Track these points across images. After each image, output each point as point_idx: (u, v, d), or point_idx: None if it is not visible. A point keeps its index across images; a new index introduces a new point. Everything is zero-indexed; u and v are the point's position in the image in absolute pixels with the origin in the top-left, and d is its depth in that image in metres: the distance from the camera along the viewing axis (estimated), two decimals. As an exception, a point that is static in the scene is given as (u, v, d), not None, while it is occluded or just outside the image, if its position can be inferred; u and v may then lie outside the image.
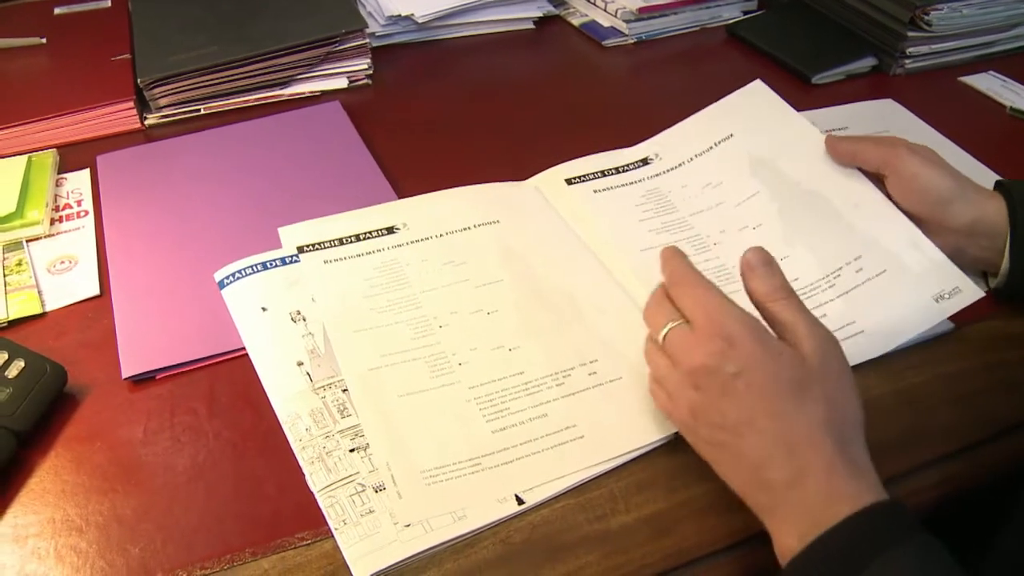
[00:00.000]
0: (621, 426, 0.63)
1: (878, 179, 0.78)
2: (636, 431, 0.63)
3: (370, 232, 0.79)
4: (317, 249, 0.77)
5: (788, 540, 0.50)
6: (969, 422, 0.65)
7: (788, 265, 0.73)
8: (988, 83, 1.09)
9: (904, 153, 0.74)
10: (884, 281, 0.72)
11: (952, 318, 0.71)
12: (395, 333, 0.70)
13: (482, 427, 0.63)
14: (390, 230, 0.79)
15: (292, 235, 0.79)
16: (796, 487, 0.50)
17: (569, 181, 0.85)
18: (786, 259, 0.75)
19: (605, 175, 0.86)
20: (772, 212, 0.79)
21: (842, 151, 0.80)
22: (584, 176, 0.86)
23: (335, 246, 0.78)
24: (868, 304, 0.71)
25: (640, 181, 0.86)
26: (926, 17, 1.07)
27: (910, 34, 1.08)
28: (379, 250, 0.78)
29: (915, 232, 0.74)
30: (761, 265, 0.58)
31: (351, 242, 0.78)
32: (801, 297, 0.66)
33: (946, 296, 0.70)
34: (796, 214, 0.79)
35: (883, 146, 0.76)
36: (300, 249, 0.77)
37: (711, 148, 0.87)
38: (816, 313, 0.66)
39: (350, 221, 0.80)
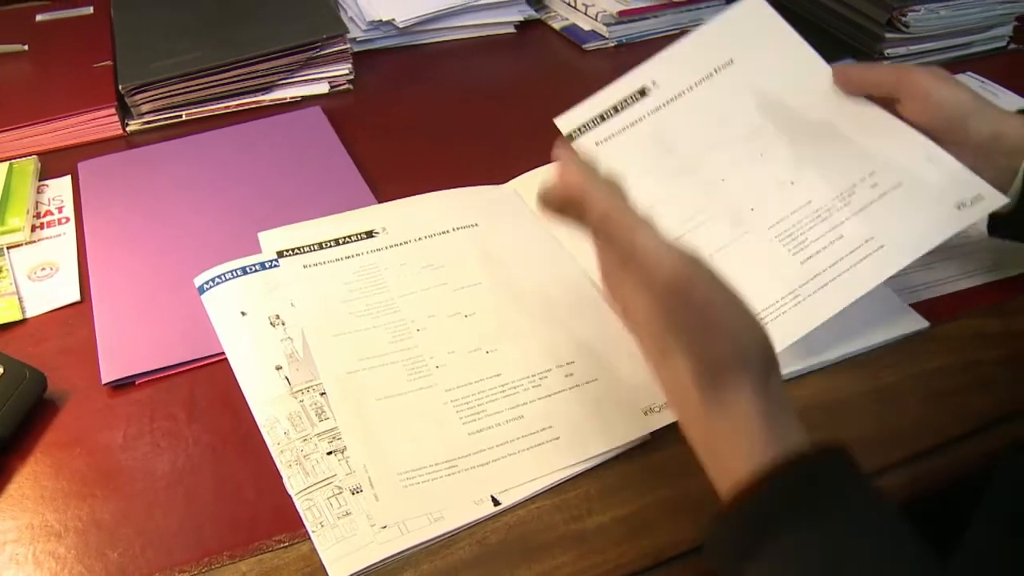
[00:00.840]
0: (597, 427, 0.64)
1: (891, 104, 0.74)
2: (612, 431, 0.63)
3: (349, 236, 0.80)
4: (297, 254, 0.77)
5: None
6: (944, 420, 0.65)
7: (799, 189, 0.72)
8: (966, 84, 1.10)
9: (917, 71, 0.72)
10: (901, 193, 0.70)
11: (928, 317, 0.71)
12: (373, 337, 0.70)
13: (458, 429, 0.64)
14: (369, 234, 0.80)
15: (272, 240, 0.79)
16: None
17: (571, 136, 0.80)
18: (797, 183, 0.73)
19: (604, 119, 0.80)
20: (781, 141, 0.76)
21: (853, 79, 0.76)
22: (584, 126, 0.80)
23: (314, 251, 0.78)
24: (886, 218, 0.69)
25: (642, 119, 0.80)
26: (903, 18, 1.08)
27: (888, 35, 1.09)
28: (358, 254, 0.78)
29: (930, 145, 0.71)
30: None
31: (330, 246, 0.78)
32: (816, 220, 0.67)
33: (968, 204, 0.68)
34: (804, 141, 0.75)
35: (893, 69, 0.74)
36: (280, 254, 0.77)
37: (712, 75, 0.81)
38: (832, 235, 0.66)
39: (329, 225, 0.81)
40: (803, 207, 0.71)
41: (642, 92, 0.81)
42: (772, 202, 0.72)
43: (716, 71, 0.81)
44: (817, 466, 0.47)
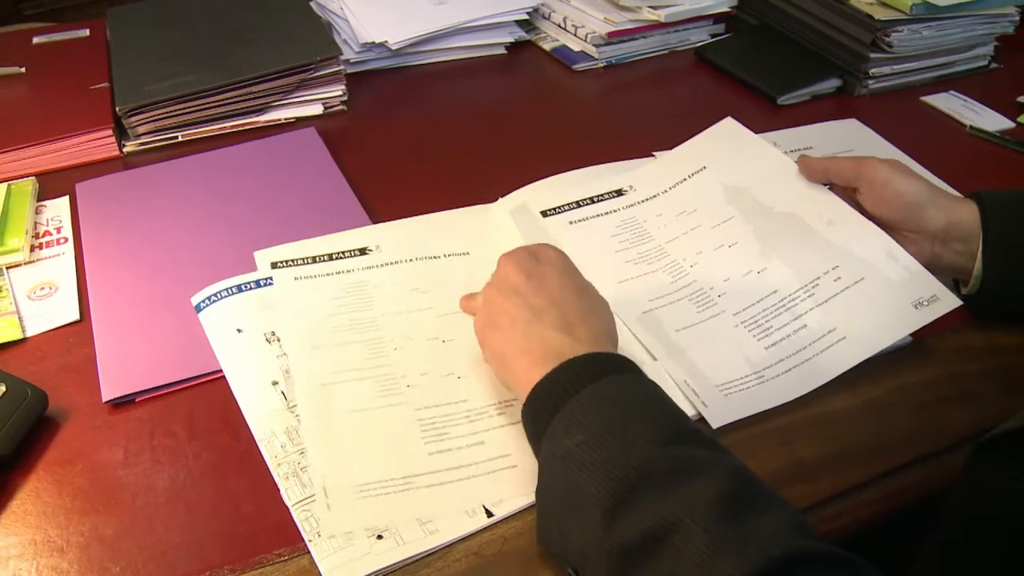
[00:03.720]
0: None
1: (851, 194, 0.80)
2: None
3: (343, 252, 0.81)
4: (290, 266, 0.79)
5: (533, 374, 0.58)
6: (928, 432, 0.67)
7: (766, 277, 0.76)
8: (949, 103, 1.13)
9: (875, 162, 0.77)
10: (863, 288, 0.74)
11: (912, 332, 0.73)
12: (350, 352, 0.72)
13: (420, 448, 0.65)
14: (363, 251, 0.81)
15: (267, 258, 0.80)
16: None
17: (544, 213, 0.87)
18: (764, 271, 0.77)
19: (580, 205, 0.88)
20: (748, 232, 0.81)
21: (815, 168, 0.82)
22: (559, 208, 0.87)
23: (307, 263, 0.80)
24: (848, 311, 0.73)
25: (615, 211, 0.88)
26: (887, 39, 1.10)
27: (872, 55, 1.12)
28: (349, 270, 0.80)
29: (891, 243, 0.76)
30: None
31: (324, 261, 0.80)
32: (780, 309, 0.73)
33: (924, 303, 0.72)
34: (771, 233, 0.81)
35: (853, 159, 0.79)
36: (274, 265, 0.79)
37: (685, 180, 0.89)
38: (796, 324, 0.71)
39: (325, 243, 0.82)
40: (769, 295, 0.76)
41: (619, 192, 0.90)
42: (739, 289, 0.77)
43: (689, 176, 0.89)
44: (593, 357, 0.58)
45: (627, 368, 0.58)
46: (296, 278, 0.78)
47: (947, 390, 0.71)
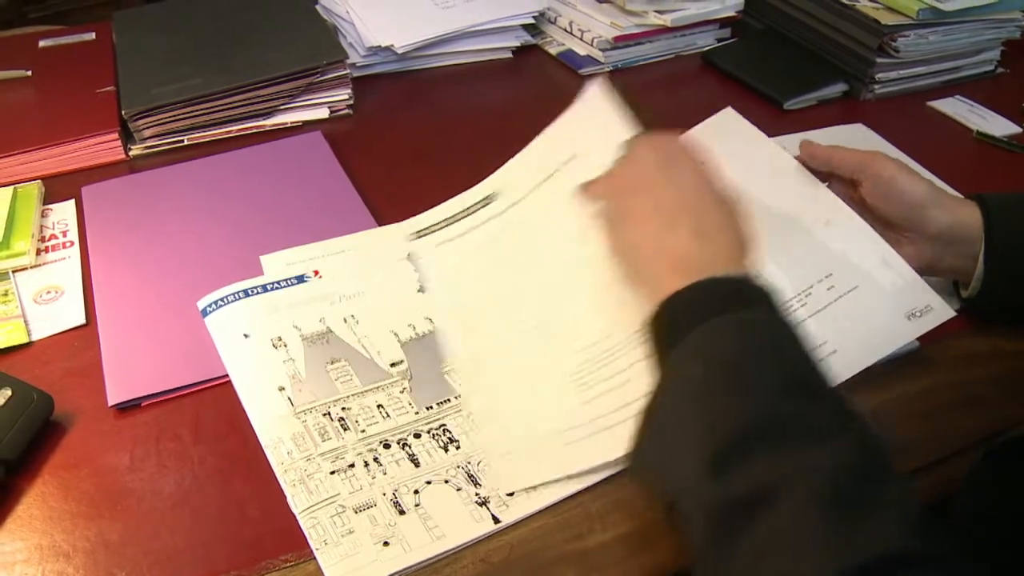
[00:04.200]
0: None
1: (852, 187, 0.78)
2: None
3: (471, 207, 0.85)
4: (429, 232, 0.85)
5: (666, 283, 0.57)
6: (932, 438, 0.67)
7: None
8: (955, 107, 1.12)
9: (881, 158, 0.76)
10: (856, 297, 0.73)
11: (918, 337, 0.73)
12: (500, 312, 0.75)
13: (575, 399, 0.67)
14: (486, 201, 0.85)
15: (277, 262, 0.80)
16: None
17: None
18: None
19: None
20: None
21: (818, 156, 0.79)
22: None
23: (444, 226, 0.85)
24: (840, 322, 0.72)
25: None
26: (894, 43, 1.10)
27: (879, 60, 1.11)
28: (483, 222, 0.84)
29: (887, 250, 0.74)
30: None
31: (458, 219, 0.85)
32: None
33: (918, 314, 0.71)
34: (767, 234, 0.79)
35: (859, 151, 0.77)
36: (417, 234, 0.85)
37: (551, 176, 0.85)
38: None
39: (452, 204, 0.86)
40: None
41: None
42: None
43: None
44: (733, 282, 0.57)
45: (765, 300, 0.56)
46: (438, 244, 0.83)
47: (950, 396, 0.71)
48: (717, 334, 0.54)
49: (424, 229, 0.86)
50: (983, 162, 1.02)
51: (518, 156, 0.88)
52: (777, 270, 0.76)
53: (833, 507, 0.44)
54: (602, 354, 0.68)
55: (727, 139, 0.87)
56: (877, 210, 0.76)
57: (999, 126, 1.08)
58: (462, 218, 0.86)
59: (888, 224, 0.76)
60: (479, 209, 0.85)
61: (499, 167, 0.94)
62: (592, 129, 0.82)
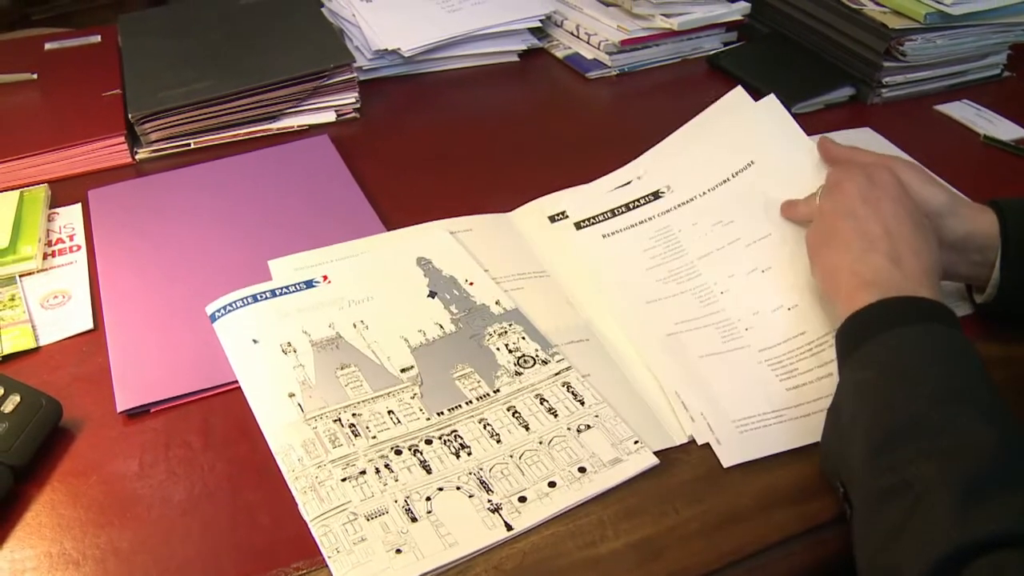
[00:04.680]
0: None
1: None
2: None
3: (638, 200, 0.86)
4: (594, 223, 0.86)
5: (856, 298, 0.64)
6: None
7: (796, 315, 0.75)
8: (962, 111, 1.12)
9: (900, 164, 0.75)
10: None
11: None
12: (682, 303, 0.78)
13: (778, 385, 0.70)
14: (656, 195, 0.87)
15: (285, 267, 0.80)
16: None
17: (578, 225, 0.86)
18: (795, 308, 0.75)
19: (616, 214, 0.86)
20: (783, 256, 0.79)
21: (839, 156, 0.80)
22: (592, 219, 0.87)
23: (608, 219, 0.86)
24: None
25: (650, 219, 0.85)
26: (901, 48, 1.10)
27: (886, 64, 1.11)
28: (650, 218, 0.85)
29: None
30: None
31: (622, 213, 0.86)
32: (807, 352, 0.73)
33: None
34: (806, 261, 0.76)
35: (879, 155, 0.77)
36: (577, 226, 0.86)
37: (728, 180, 0.85)
38: (821, 371, 0.71)
39: (615, 196, 0.88)
40: (796, 336, 0.74)
41: (656, 195, 0.87)
42: (767, 325, 0.75)
43: (733, 175, 0.85)
44: (912, 301, 0.63)
45: (939, 318, 0.62)
46: (604, 235, 0.85)
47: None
48: (889, 345, 0.60)
49: (585, 220, 0.87)
50: (990, 166, 1.02)
51: (680, 149, 0.89)
52: (813, 302, 0.76)
53: (967, 491, 0.50)
54: (806, 345, 0.73)
55: (770, 141, 0.87)
56: None
57: (1006, 130, 1.08)
58: (627, 211, 0.87)
59: None
60: (646, 204, 0.87)
61: (508, 170, 0.93)
62: (767, 139, 0.86)
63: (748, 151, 0.86)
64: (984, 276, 0.73)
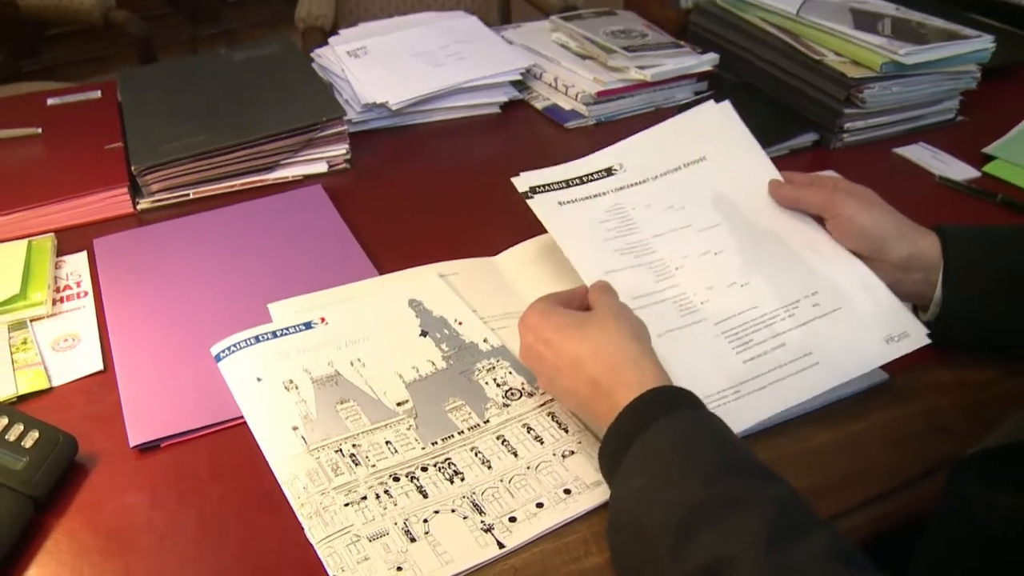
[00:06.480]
0: (848, 352, 0.76)
1: (822, 222, 0.84)
2: (862, 357, 0.76)
3: (592, 174, 0.91)
4: (549, 190, 0.89)
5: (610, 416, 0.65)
6: (903, 463, 0.72)
7: (748, 292, 0.81)
8: (919, 154, 1.19)
9: (842, 198, 0.82)
10: (839, 317, 0.78)
11: (888, 369, 0.78)
12: (640, 275, 0.82)
13: (734, 358, 0.75)
14: (609, 171, 0.91)
15: (285, 309, 0.85)
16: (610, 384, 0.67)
17: (534, 189, 0.90)
18: (746, 286, 0.81)
19: (569, 185, 0.90)
20: (732, 244, 0.85)
21: (785, 197, 0.86)
22: (548, 185, 0.90)
23: (563, 188, 0.89)
24: (824, 337, 0.77)
25: (604, 194, 0.90)
26: (860, 95, 1.17)
27: (847, 111, 1.18)
28: (603, 192, 0.89)
29: (868, 276, 0.80)
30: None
31: (577, 184, 0.90)
32: (760, 324, 0.78)
33: (895, 339, 0.77)
34: (755, 249, 0.84)
35: (823, 191, 0.84)
36: (532, 189, 0.89)
37: (679, 168, 0.91)
38: (775, 342, 0.76)
39: (572, 168, 0.92)
40: (750, 310, 0.80)
41: (609, 171, 0.92)
42: (721, 298, 0.81)
43: (685, 166, 0.91)
44: (665, 391, 0.65)
45: (679, 404, 0.65)
46: (560, 203, 0.88)
47: (921, 424, 0.76)
48: (641, 451, 0.62)
49: (540, 186, 0.90)
50: (945, 205, 1.08)
51: (638, 138, 0.95)
52: (764, 282, 0.81)
53: (770, 557, 0.53)
54: (759, 317, 0.78)
55: (721, 141, 0.93)
56: (843, 243, 0.82)
57: (959, 171, 1.14)
58: (580, 184, 0.91)
59: (854, 253, 0.82)
60: (601, 179, 0.91)
61: (492, 217, 0.99)
62: (719, 139, 0.93)
63: (701, 147, 0.93)
64: (928, 295, 0.79)
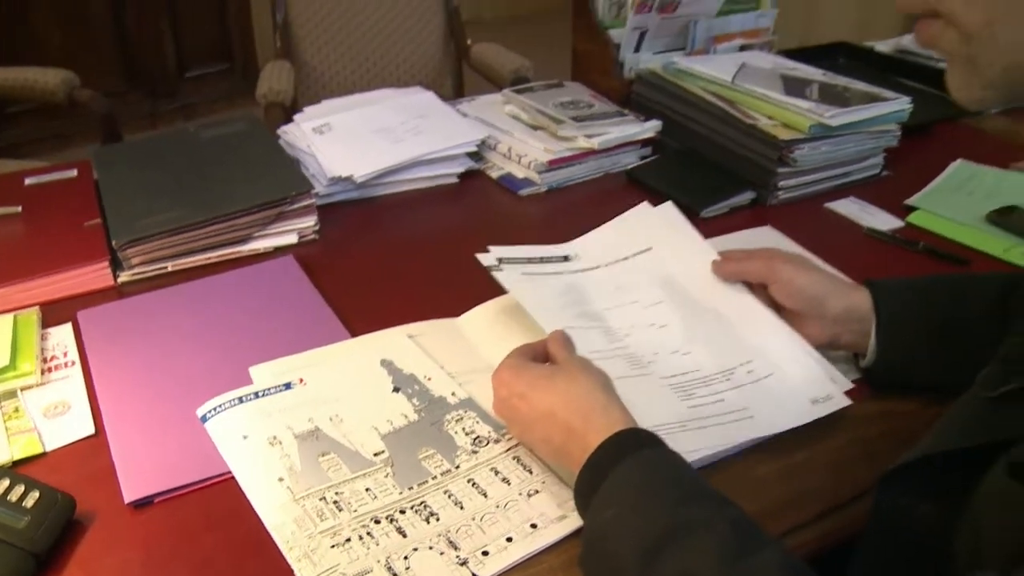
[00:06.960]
0: (778, 410, 0.85)
1: (764, 288, 0.93)
2: (788, 415, 0.84)
3: (550, 257, 1.02)
4: (516, 263, 0.99)
5: (582, 458, 0.72)
6: (840, 486, 0.80)
7: (689, 359, 0.90)
8: (848, 207, 1.28)
9: (779, 265, 0.92)
10: (771, 382, 0.88)
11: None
12: (594, 336, 0.91)
13: (679, 403, 0.85)
14: (566, 258, 1.03)
15: (265, 372, 0.91)
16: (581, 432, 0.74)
17: (501, 261, 0.99)
18: (688, 354, 0.91)
19: (531, 262, 1.01)
20: (675, 319, 0.95)
21: (728, 272, 0.96)
22: (514, 259, 1.00)
23: (527, 263, 1.00)
24: (757, 398, 0.86)
25: (560, 274, 1.01)
26: (791, 155, 1.26)
27: (780, 170, 1.27)
28: (560, 272, 1.00)
29: (797, 346, 0.90)
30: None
31: (537, 263, 1.01)
32: (700, 384, 0.87)
33: (820, 400, 0.86)
34: (696, 324, 0.94)
35: (763, 261, 0.93)
36: (500, 261, 0.98)
37: (627, 258, 1.03)
38: (714, 397, 0.85)
39: (534, 250, 1.03)
40: (692, 372, 0.90)
41: (565, 258, 1.04)
42: (667, 362, 0.91)
43: (633, 255, 1.03)
44: (632, 432, 0.72)
45: (643, 444, 0.71)
46: (524, 273, 0.98)
47: (853, 451, 0.84)
48: (609, 489, 0.69)
49: (507, 258, 1.00)
50: (872, 254, 1.18)
51: (591, 236, 1.07)
52: (705, 352, 0.90)
53: (729, 565, 0.60)
54: (700, 378, 0.89)
55: (665, 231, 1.04)
56: (784, 305, 0.92)
57: (884, 222, 1.24)
58: (540, 262, 1.01)
59: (795, 313, 0.91)
60: (557, 262, 1.02)
61: (453, 281, 1.06)
62: (662, 234, 1.05)
63: (647, 239, 1.04)
64: (864, 344, 0.88)
